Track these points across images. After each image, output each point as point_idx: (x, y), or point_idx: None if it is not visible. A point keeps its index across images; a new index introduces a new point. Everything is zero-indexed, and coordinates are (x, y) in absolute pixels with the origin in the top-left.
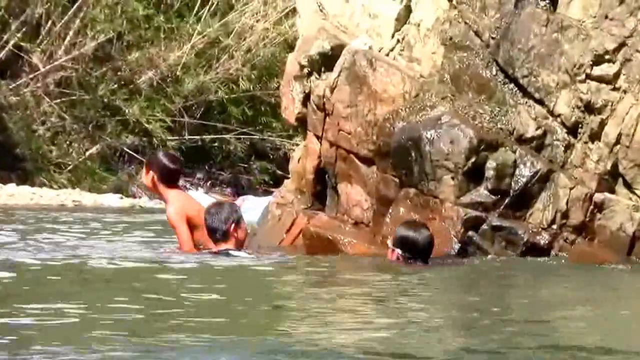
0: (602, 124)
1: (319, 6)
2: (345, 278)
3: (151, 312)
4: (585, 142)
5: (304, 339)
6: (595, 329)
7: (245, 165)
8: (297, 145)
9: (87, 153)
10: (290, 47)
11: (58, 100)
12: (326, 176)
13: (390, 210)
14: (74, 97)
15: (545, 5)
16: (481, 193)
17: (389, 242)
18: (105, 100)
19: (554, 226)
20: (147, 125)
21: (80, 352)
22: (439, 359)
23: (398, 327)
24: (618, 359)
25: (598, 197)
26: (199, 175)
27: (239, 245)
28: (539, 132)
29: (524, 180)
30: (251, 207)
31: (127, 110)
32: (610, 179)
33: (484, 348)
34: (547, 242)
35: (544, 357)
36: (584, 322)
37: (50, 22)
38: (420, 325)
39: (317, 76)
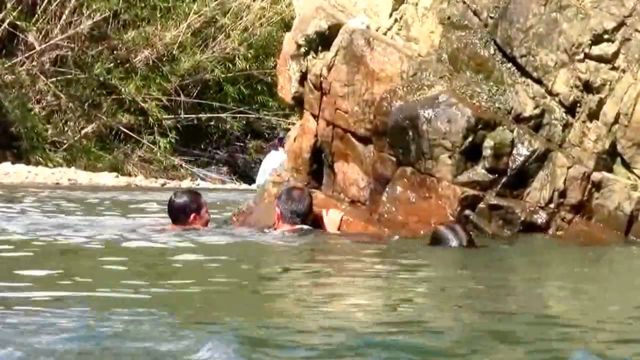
0: (601, 103)
1: None
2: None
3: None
4: (584, 122)
5: (297, 322)
6: (584, 306)
7: (242, 144)
8: (294, 124)
9: (83, 132)
10: (287, 26)
11: (54, 79)
12: (322, 155)
13: (387, 189)
14: (69, 76)
15: None
16: (478, 172)
17: None
18: (101, 79)
19: (552, 205)
20: (142, 104)
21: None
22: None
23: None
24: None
25: (596, 176)
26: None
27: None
28: (537, 111)
29: (522, 159)
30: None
31: (123, 89)
32: (609, 158)
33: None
34: (544, 221)
35: (544, 334)
36: (577, 301)
37: (46, 1)
38: (416, 304)
39: (314, 55)
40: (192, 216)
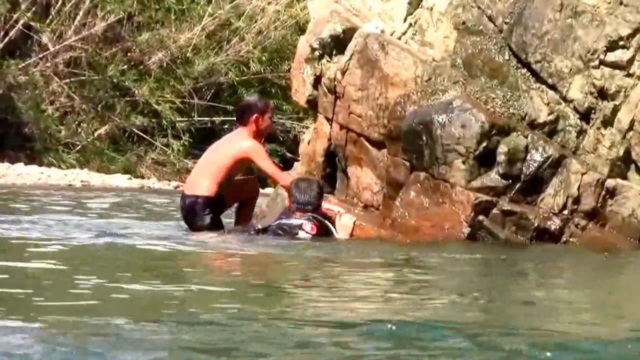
0: (615, 110)
1: None
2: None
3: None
4: (598, 128)
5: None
6: (597, 315)
7: None
8: (308, 127)
9: (96, 133)
10: (301, 29)
11: (67, 80)
12: (336, 159)
13: (400, 194)
14: (83, 77)
15: None
16: (492, 177)
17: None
18: (115, 80)
19: (565, 212)
20: (156, 107)
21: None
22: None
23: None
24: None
25: (610, 183)
26: None
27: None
28: (552, 117)
29: (536, 165)
30: None
31: (136, 91)
32: (623, 165)
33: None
34: (557, 227)
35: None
36: (589, 308)
37: (60, 2)
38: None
39: (329, 59)
40: (254, 116)
